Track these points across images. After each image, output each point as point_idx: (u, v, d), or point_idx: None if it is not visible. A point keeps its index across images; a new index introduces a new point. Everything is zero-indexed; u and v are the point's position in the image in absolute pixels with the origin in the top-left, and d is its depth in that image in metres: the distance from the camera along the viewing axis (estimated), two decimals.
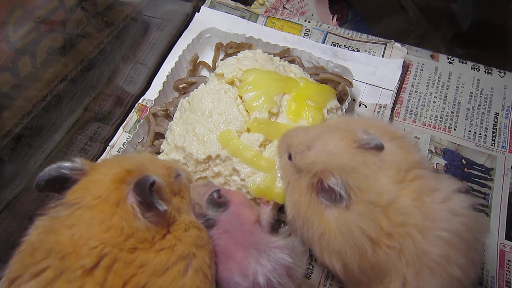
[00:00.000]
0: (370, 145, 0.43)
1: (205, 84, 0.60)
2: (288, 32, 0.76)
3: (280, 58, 0.67)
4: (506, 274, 0.57)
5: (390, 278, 0.43)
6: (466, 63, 0.76)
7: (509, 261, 0.58)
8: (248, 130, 0.54)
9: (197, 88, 0.60)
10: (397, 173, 0.43)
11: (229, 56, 0.66)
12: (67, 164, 0.40)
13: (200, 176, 0.54)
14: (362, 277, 0.44)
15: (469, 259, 0.42)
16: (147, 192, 0.37)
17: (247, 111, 0.56)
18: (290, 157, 0.47)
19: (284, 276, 0.43)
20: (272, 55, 0.64)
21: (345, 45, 0.75)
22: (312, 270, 0.55)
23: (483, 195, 0.63)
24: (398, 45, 0.74)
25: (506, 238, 0.60)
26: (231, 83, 0.59)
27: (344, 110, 0.62)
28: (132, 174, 0.40)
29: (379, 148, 0.44)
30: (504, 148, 0.67)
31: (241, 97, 0.56)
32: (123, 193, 0.38)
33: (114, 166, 0.41)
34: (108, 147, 0.66)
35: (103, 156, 0.64)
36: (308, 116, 0.56)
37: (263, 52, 0.65)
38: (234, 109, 0.55)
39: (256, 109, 0.55)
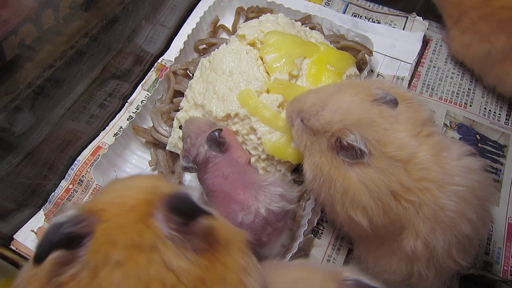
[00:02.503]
0: (385, 99, 0.44)
1: (226, 44, 0.60)
2: (309, 1, 0.76)
3: (302, 24, 0.67)
4: None
5: (406, 233, 0.43)
6: None
7: None
8: (268, 91, 0.55)
9: (217, 49, 0.60)
10: (414, 127, 0.44)
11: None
12: (65, 220, 0.30)
13: None
14: (385, 231, 0.44)
15: (480, 217, 0.43)
16: (189, 204, 0.31)
17: (268, 72, 0.56)
18: (302, 121, 0.47)
19: (280, 202, 0.45)
20: (293, 20, 0.65)
21: (365, 17, 0.75)
22: (323, 230, 0.56)
23: (495, 171, 0.64)
24: (419, 18, 0.74)
25: None
26: (253, 44, 0.59)
27: (362, 79, 0.62)
28: (153, 201, 0.32)
29: (394, 102, 0.44)
30: None
31: (262, 58, 0.57)
32: (155, 230, 0.31)
33: (124, 201, 0.32)
34: (126, 103, 0.67)
35: (121, 112, 0.66)
36: (328, 80, 0.56)
37: (285, 17, 0.65)
38: (254, 69, 0.55)
39: (276, 70, 0.55)
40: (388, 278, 0.49)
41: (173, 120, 0.58)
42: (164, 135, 0.58)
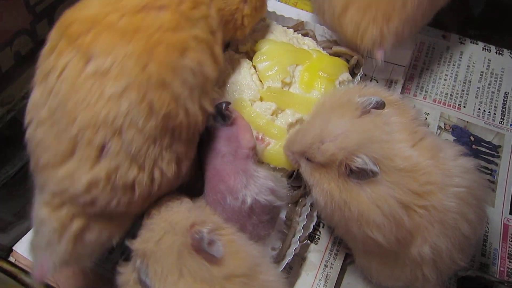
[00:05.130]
0: (371, 105, 0.44)
1: None
2: (302, 9, 0.77)
3: (294, 31, 0.68)
4: (509, 247, 0.58)
5: (417, 240, 0.43)
6: (478, 44, 0.76)
7: (511, 234, 0.59)
8: (261, 99, 0.56)
9: None
10: (409, 134, 0.44)
11: None
12: None
13: None
14: (397, 245, 0.44)
15: (478, 216, 0.44)
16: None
17: (261, 81, 0.57)
18: (308, 159, 0.46)
19: (269, 195, 0.46)
20: (286, 28, 0.65)
21: None
22: (319, 236, 0.57)
23: (489, 171, 0.64)
24: None
25: (510, 213, 0.61)
26: (247, 53, 0.60)
27: (359, 77, 0.63)
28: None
29: (381, 104, 0.44)
30: None
31: (255, 67, 0.57)
32: None
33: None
34: None
35: None
36: (321, 86, 0.57)
37: (277, 24, 0.65)
38: (248, 78, 0.56)
39: (269, 78, 0.56)
40: (389, 285, 0.50)
41: None
42: None
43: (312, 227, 0.55)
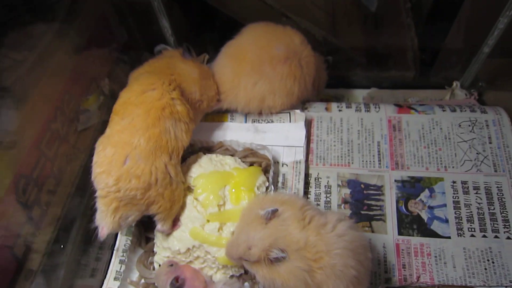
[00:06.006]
0: (270, 215, 0.68)
1: None
2: (218, 121, 1.01)
3: (217, 150, 0.92)
4: (402, 259, 0.85)
5: None
6: (351, 107, 1.03)
7: (402, 250, 0.86)
8: (208, 221, 0.80)
9: None
10: (298, 223, 0.69)
11: None
12: None
13: (186, 261, 0.79)
14: None
15: (358, 261, 0.68)
16: None
17: (203, 208, 0.81)
18: (246, 260, 0.70)
19: None
20: (210, 155, 0.89)
21: (261, 120, 1.01)
22: None
23: (379, 207, 0.90)
24: (298, 111, 0.99)
25: (398, 234, 0.87)
26: (188, 188, 0.84)
27: (270, 179, 0.88)
28: None
29: (276, 211, 0.69)
30: (388, 168, 0.94)
31: (196, 199, 0.82)
32: None
33: None
34: (114, 251, 0.90)
35: (113, 259, 0.89)
36: (245, 197, 0.81)
37: (203, 154, 0.90)
38: (194, 211, 0.80)
39: (209, 205, 0.80)
40: None
41: (154, 263, 0.82)
42: (151, 278, 0.82)
43: None
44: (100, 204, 0.73)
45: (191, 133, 0.84)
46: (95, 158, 0.75)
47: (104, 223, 0.72)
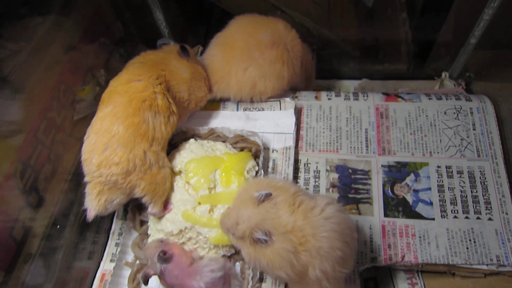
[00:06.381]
0: (263, 197, 0.71)
1: None
2: (212, 110, 1.04)
3: (209, 136, 0.95)
4: (387, 240, 0.88)
5: (309, 269, 0.71)
6: (340, 96, 1.06)
7: (388, 231, 0.89)
8: (199, 203, 0.83)
9: None
10: (289, 207, 0.72)
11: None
12: None
13: (179, 242, 0.83)
14: (297, 276, 0.72)
15: (344, 242, 0.71)
16: None
17: (195, 191, 0.84)
18: (232, 234, 0.73)
19: (211, 275, 0.75)
20: (201, 141, 0.92)
21: (252, 108, 1.04)
22: (266, 277, 0.85)
23: (366, 191, 0.93)
24: (287, 99, 1.02)
25: (384, 216, 0.90)
26: (179, 173, 0.87)
27: (260, 164, 0.91)
28: None
29: (269, 195, 0.72)
30: (375, 153, 0.97)
31: (188, 183, 0.85)
32: None
33: None
34: (110, 234, 0.93)
35: (109, 243, 0.92)
36: (235, 181, 0.84)
37: (195, 140, 0.93)
38: (185, 194, 0.83)
39: (200, 188, 0.83)
40: None
41: None
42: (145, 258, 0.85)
43: (258, 274, 0.83)
44: (87, 188, 0.78)
45: (173, 126, 0.87)
46: (82, 147, 0.80)
47: (91, 205, 0.77)
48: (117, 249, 0.89)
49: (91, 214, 0.77)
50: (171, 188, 0.85)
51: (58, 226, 0.87)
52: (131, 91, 0.80)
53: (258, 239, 0.69)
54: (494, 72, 1.17)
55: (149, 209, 0.81)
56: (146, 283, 0.78)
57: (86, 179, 0.78)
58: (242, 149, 0.93)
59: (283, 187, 0.76)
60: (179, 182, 0.85)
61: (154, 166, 0.80)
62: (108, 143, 0.76)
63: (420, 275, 0.89)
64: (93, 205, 0.76)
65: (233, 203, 0.77)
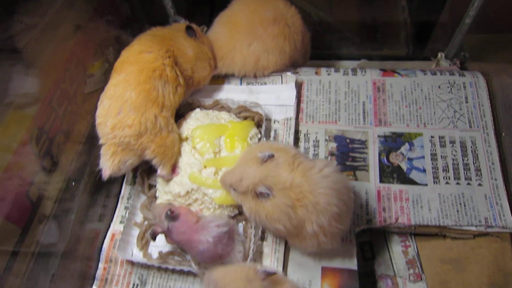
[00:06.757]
0: (266, 158, 0.76)
1: None
2: (216, 84, 1.09)
3: (213, 108, 1.00)
4: (382, 204, 0.93)
5: (306, 223, 0.76)
6: (339, 71, 1.10)
7: (383, 195, 0.94)
8: (205, 167, 0.88)
9: None
10: (288, 166, 0.76)
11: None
12: None
13: (185, 204, 0.88)
14: (295, 229, 0.77)
15: (340, 200, 0.75)
16: None
17: (201, 155, 0.89)
18: (234, 190, 0.79)
19: (217, 230, 0.80)
20: (206, 110, 0.97)
21: (255, 82, 1.08)
22: (267, 235, 0.89)
23: (363, 159, 0.98)
24: (289, 73, 1.07)
25: (380, 182, 0.95)
26: (186, 139, 0.92)
27: (263, 132, 0.96)
28: None
29: (272, 156, 0.77)
30: (372, 125, 1.02)
31: (194, 148, 0.90)
32: None
33: None
34: (120, 198, 0.98)
35: (118, 206, 0.97)
36: (238, 146, 0.89)
37: (200, 110, 0.98)
38: (192, 158, 0.88)
39: (205, 153, 0.88)
40: (310, 251, 0.83)
41: None
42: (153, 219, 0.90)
43: (260, 232, 0.88)
44: (102, 150, 0.84)
45: (180, 96, 0.92)
46: (96, 112, 0.86)
47: (105, 165, 0.83)
48: (126, 212, 0.94)
49: (106, 173, 0.82)
50: (179, 153, 0.90)
51: (73, 183, 0.92)
52: (143, 61, 0.86)
53: (261, 193, 0.74)
54: (488, 54, 1.22)
55: (159, 171, 0.86)
56: (154, 239, 0.83)
57: (100, 141, 0.84)
58: (245, 118, 0.98)
59: (284, 149, 0.81)
60: (186, 148, 0.90)
61: (164, 130, 0.85)
62: (122, 107, 0.81)
63: (413, 238, 0.94)
64: (107, 165, 0.82)
65: (237, 162, 0.82)
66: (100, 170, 0.85)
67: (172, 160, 0.88)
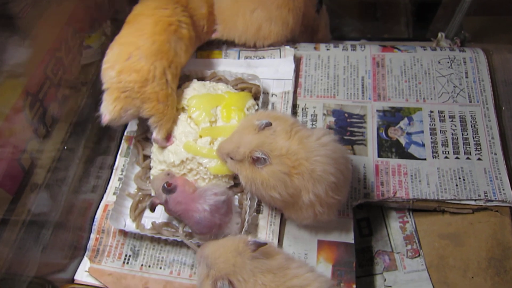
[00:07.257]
0: (263, 125, 0.75)
1: None
2: (213, 58, 1.07)
3: (210, 80, 0.99)
4: (380, 178, 0.91)
5: (302, 192, 0.74)
6: (338, 47, 1.09)
7: (381, 170, 0.92)
8: (200, 136, 0.86)
9: None
10: (286, 134, 0.75)
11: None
12: None
13: (180, 173, 0.86)
14: (291, 198, 0.75)
15: (337, 169, 0.74)
16: None
17: (196, 125, 0.87)
18: (231, 158, 0.77)
19: (214, 198, 0.78)
20: (203, 81, 0.96)
21: (253, 56, 1.07)
22: (262, 208, 0.88)
23: (361, 133, 0.97)
24: (287, 47, 1.06)
25: (378, 157, 0.94)
26: (182, 109, 0.90)
27: (260, 104, 0.94)
28: None
29: (269, 124, 0.75)
30: (370, 99, 1.01)
31: (190, 117, 0.88)
32: None
33: None
34: (113, 170, 0.97)
35: (112, 177, 0.96)
36: (235, 116, 0.88)
37: (197, 80, 0.96)
38: (187, 127, 0.86)
39: (201, 122, 0.86)
40: (306, 223, 0.82)
41: (150, 177, 0.90)
42: (147, 189, 0.89)
43: (255, 204, 0.87)
44: (104, 95, 0.82)
45: (188, 57, 0.92)
46: (104, 59, 0.84)
47: (106, 110, 0.81)
48: (120, 183, 0.93)
49: (106, 118, 0.81)
50: (174, 122, 0.88)
51: (68, 153, 0.90)
52: (159, 14, 0.87)
53: (257, 158, 0.72)
54: (488, 36, 1.20)
55: (154, 134, 0.85)
56: (152, 210, 0.81)
57: (104, 86, 0.83)
58: (242, 90, 0.97)
59: (282, 118, 0.79)
60: (182, 117, 0.88)
61: (169, 86, 0.84)
62: (132, 53, 0.81)
63: (411, 213, 0.93)
64: (108, 110, 0.81)
65: (235, 131, 0.81)
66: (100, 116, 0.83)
67: (169, 123, 0.86)
